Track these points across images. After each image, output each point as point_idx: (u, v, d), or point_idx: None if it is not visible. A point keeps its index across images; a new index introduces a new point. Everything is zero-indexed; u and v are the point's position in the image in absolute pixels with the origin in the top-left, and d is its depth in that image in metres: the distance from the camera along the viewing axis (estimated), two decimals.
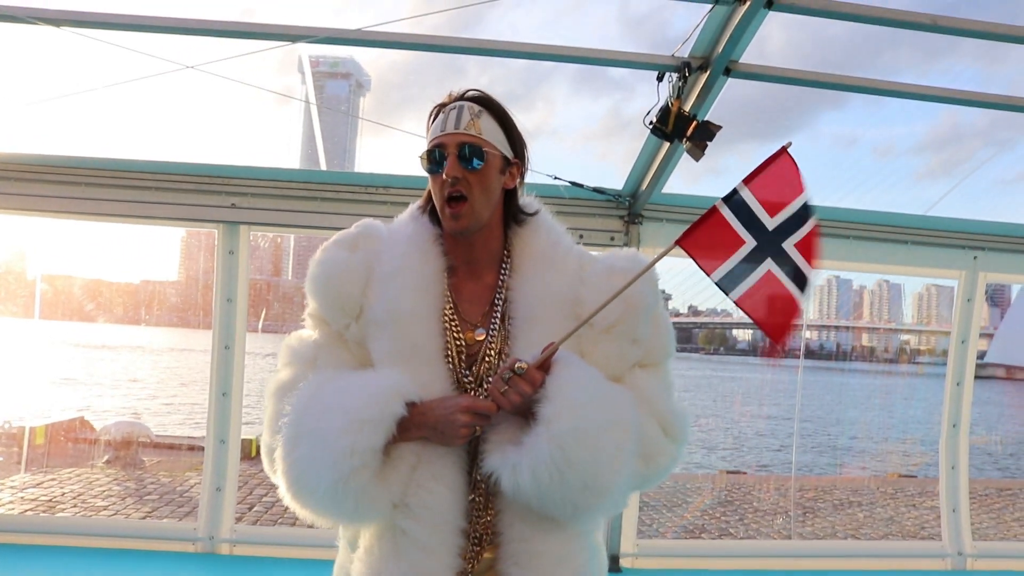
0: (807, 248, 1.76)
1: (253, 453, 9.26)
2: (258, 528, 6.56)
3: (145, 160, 4.90)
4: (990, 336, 5.62)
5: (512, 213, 1.81)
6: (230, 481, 4.88)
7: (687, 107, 4.00)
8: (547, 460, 1.55)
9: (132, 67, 4.63)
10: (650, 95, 4.02)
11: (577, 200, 4.83)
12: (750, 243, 1.75)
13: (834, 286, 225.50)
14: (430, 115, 1.78)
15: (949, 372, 5.46)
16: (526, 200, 1.85)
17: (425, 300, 1.72)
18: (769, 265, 1.75)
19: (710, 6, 3.64)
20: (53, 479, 9.08)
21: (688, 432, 1.79)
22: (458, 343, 1.73)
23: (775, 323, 1.76)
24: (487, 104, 1.75)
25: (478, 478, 1.69)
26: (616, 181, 4.91)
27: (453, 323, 1.74)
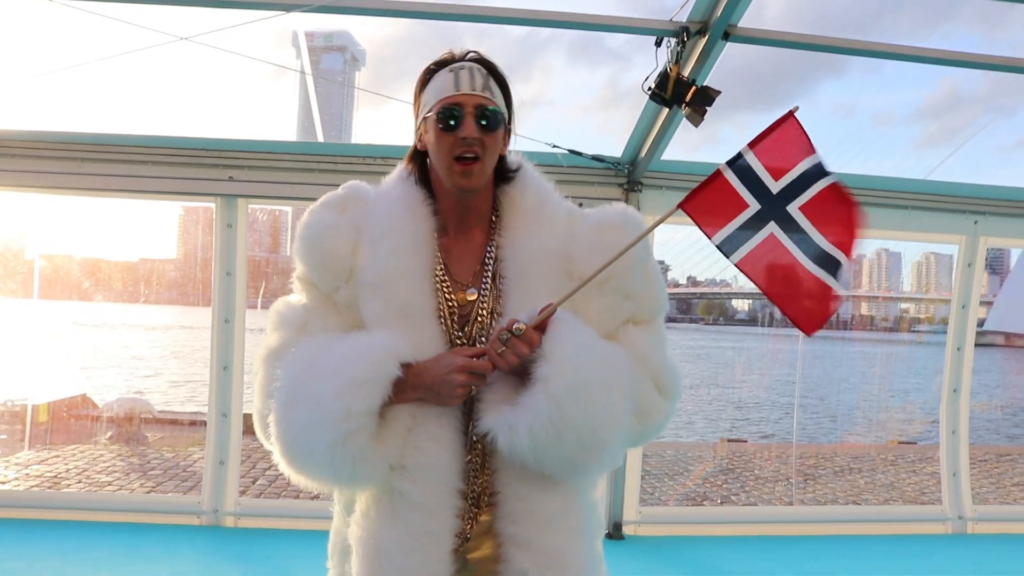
0: (818, 210, 1.73)
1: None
2: (262, 500, 6.59)
3: (141, 135, 4.89)
4: (990, 304, 5.61)
5: (501, 172, 1.80)
6: (233, 454, 4.91)
7: (686, 72, 3.97)
8: (544, 419, 1.55)
9: (125, 40, 4.59)
10: (648, 66, 3.97)
11: (576, 168, 4.80)
12: (754, 206, 1.73)
13: None
14: (428, 71, 1.75)
15: (949, 337, 5.47)
16: (508, 156, 1.83)
17: (416, 261, 1.70)
18: (772, 228, 1.73)
19: None
20: (57, 456, 9.11)
21: (680, 388, 1.79)
22: (450, 303, 1.71)
23: (778, 292, 1.74)
24: (491, 68, 1.75)
25: (474, 438, 1.69)
26: (615, 151, 4.88)
27: (444, 283, 1.72)
